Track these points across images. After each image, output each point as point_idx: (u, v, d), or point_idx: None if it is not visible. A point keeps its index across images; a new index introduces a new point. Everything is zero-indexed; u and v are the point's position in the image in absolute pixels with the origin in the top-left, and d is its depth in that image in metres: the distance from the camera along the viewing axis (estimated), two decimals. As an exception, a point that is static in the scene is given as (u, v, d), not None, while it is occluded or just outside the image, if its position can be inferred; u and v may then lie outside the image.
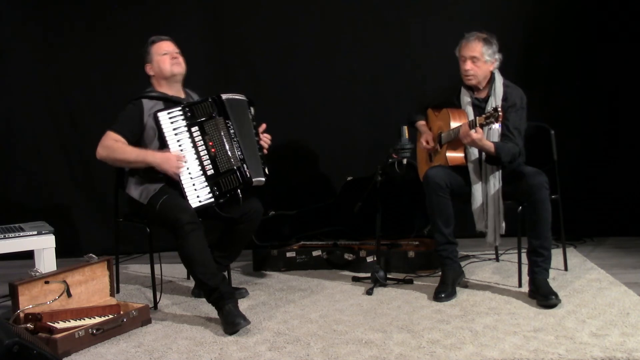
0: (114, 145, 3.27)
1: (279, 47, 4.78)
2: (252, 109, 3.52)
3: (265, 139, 3.54)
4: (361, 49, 4.78)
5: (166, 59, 3.42)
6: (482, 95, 3.59)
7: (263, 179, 3.44)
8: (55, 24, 4.71)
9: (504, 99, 3.48)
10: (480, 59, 3.48)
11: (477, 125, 3.32)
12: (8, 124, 4.77)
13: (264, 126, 3.56)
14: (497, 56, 3.53)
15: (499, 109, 3.20)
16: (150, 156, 3.27)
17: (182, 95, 3.51)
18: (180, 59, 3.46)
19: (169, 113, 3.32)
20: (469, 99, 3.59)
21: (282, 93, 4.81)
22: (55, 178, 4.80)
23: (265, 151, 3.53)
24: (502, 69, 3.61)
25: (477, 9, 4.67)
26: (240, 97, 3.48)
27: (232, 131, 3.34)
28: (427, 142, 3.74)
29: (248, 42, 4.78)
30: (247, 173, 3.31)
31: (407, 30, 4.76)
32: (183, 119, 3.33)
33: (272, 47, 4.78)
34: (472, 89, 3.61)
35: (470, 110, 3.56)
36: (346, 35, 4.78)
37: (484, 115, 3.28)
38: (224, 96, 3.38)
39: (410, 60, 4.78)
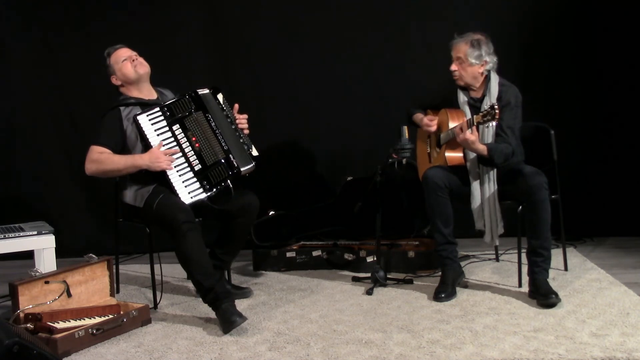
0: (100, 158, 3.28)
1: (279, 47, 4.78)
2: (219, 97, 3.53)
3: (242, 120, 3.54)
4: (361, 49, 4.78)
5: (127, 64, 3.43)
6: (478, 95, 3.59)
7: (252, 164, 3.44)
8: (55, 24, 4.71)
9: (499, 98, 3.49)
10: (465, 61, 3.50)
11: (474, 124, 3.33)
12: (8, 124, 4.77)
13: (236, 107, 3.56)
14: (489, 58, 3.52)
15: (496, 106, 3.21)
16: (139, 159, 3.28)
17: (155, 95, 3.53)
18: (141, 59, 3.47)
19: (148, 115, 3.34)
20: (465, 99, 3.60)
21: (282, 93, 4.81)
22: (55, 178, 4.80)
23: (246, 132, 3.54)
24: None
25: (477, 9, 4.67)
26: (204, 90, 3.48)
27: (213, 124, 3.36)
28: (431, 120, 3.69)
29: (248, 43, 4.77)
30: (235, 162, 3.31)
31: (407, 31, 4.76)
32: (163, 119, 3.35)
33: (273, 47, 4.78)
34: (466, 89, 3.62)
35: (467, 110, 3.57)
36: (346, 35, 4.77)
37: (481, 114, 3.29)
38: (200, 91, 3.41)
39: (410, 60, 4.78)
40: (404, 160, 3.59)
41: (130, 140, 3.35)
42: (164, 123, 3.35)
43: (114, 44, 4.70)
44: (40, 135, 4.78)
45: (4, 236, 3.36)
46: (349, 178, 4.50)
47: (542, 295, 3.28)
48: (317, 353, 2.80)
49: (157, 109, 3.36)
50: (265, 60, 4.79)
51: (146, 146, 3.32)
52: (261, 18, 4.76)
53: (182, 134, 3.35)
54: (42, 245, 3.40)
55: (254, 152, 3.50)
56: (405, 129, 3.61)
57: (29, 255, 3.45)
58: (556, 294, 3.27)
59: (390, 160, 3.63)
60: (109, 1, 4.71)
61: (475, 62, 3.50)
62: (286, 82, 4.81)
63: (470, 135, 3.35)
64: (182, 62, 4.72)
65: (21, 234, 3.39)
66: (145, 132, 3.32)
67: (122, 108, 3.38)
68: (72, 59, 4.72)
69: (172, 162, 3.29)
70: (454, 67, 3.54)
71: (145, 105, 3.41)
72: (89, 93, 4.73)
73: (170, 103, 3.39)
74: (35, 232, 3.41)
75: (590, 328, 2.97)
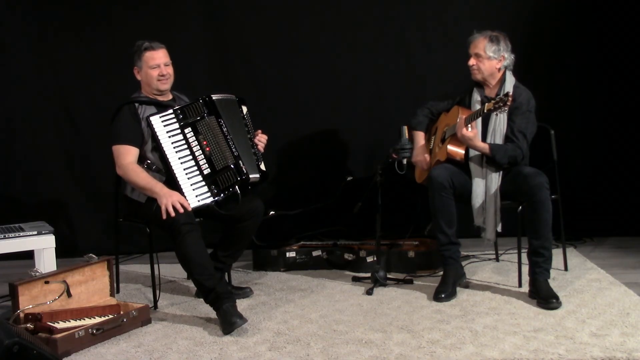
0: (129, 167, 3.27)
1: (280, 47, 4.78)
2: (243, 108, 3.53)
3: (261, 138, 3.56)
4: (361, 49, 4.77)
5: (155, 74, 3.39)
6: (492, 94, 3.60)
7: (257, 175, 3.44)
8: (54, 23, 4.70)
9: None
10: (483, 55, 3.53)
11: (485, 111, 3.33)
12: (8, 124, 4.77)
13: (259, 132, 3.58)
14: (507, 55, 3.55)
15: (510, 93, 3.21)
16: (159, 188, 3.23)
17: (170, 97, 3.53)
18: (168, 73, 3.43)
19: (161, 117, 3.34)
20: (478, 98, 3.63)
21: (283, 93, 4.81)
22: (56, 178, 4.79)
23: (260, 149, 3.54)
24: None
25: (477, 9, 4.67)
26: (230, 97, 3.49)
27: (225, 129, 3.36)
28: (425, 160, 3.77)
29: (248, 43, 4.77)
30: (244, 169, 3.32)
31: (408, 30, 4.76)
32: (175, 121, 3.34)
33: (273, 47, 4.78)
34: (482, 87, 3.64)
35: (478, 108, 3.58)
36: (346, 35, 4.77)
37: (492, 101, 3.29)
38: (214, 96, 3.40)
39: (410, 60, 4.78)
40: (404, 160, 3.59)
41: (143, 138, 3.34)
42: (176, 125, 3.34)
43: (114, 44, 4.71)
44: (40, 135, 4.78)
45: (4, 236, 3.36)
46: (349, 178, 4.50)
47: (543, 299, 3.28)
48: (317, 353, 2.80)
49: (171, 111, 3.35)
50: (265, 60, 4.79)
51: (157, 146, 3.32)
52: (261, 19, 4.76)
53: (194, 137, 3.33)
54: (42, 245, 3.40)
55: (262, 167, 3.50)
56: (405, 128, 3.61)
57: (29, 255, 3.45)
58: (557, 298, 3.27)
59: (390, 160, 3.64)
60: (109, 1, 4.71)
61: (493, 56, 3.52)
62: (286, 81, 4.80)
63: (468, 132, 3.35)
64: (182, 62, 4.67)
65: (21, 234, 3.39)
66: (157, 134, 3.30)
67: (137, 105, 3.38)
68: (72, 59, 4.71)
69: (173, 207, 3.16)
70: (472, 62, 3.56)
71: (160, 106, 3.40)
72: (89, 93, 4.73)
73: (184, 106, 3.38)
74: (35, 232, 3.41)
75: (590, 328, 2.97)
